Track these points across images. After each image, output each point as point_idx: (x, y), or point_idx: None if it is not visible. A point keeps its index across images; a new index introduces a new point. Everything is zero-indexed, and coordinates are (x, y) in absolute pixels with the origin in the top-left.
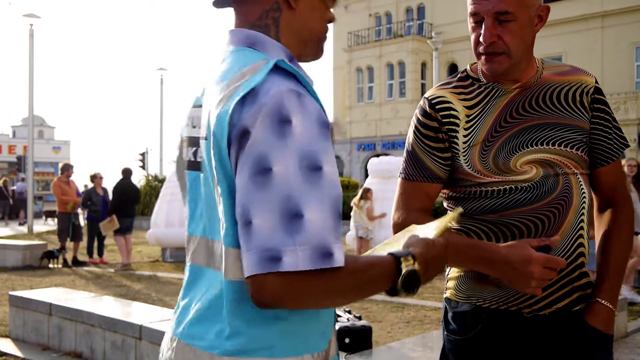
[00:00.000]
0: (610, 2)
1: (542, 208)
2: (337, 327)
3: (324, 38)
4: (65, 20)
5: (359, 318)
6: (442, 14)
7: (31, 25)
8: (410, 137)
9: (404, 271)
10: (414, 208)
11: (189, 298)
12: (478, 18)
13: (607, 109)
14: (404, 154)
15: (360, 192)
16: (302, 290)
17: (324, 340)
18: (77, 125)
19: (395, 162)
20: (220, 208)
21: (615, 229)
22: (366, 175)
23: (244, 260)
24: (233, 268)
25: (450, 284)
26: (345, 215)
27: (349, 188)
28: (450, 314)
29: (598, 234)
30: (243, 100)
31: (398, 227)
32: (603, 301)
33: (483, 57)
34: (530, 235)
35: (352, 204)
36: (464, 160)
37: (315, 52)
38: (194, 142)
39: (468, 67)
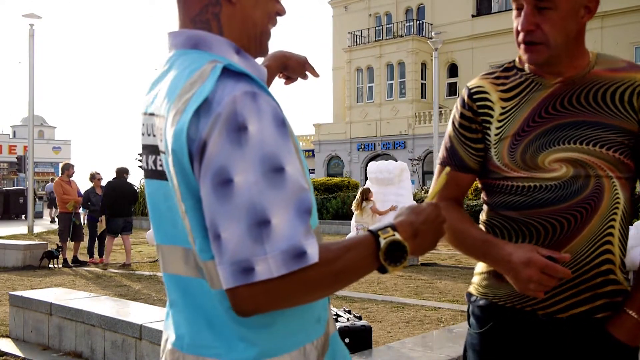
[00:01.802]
0: (610, 2)
1: (565, 210)
2: (337, 326)
3: (266, 32)
4: (65, 20)
5: (359, 318)
6: (442, 14)
7: (31, 25)
8: (449, 125)
9: (382, 244)
10: (444, 196)
11: (178, 307)
12: (519, 5)
13: None
14: (443, 141)
15: (359, 194)
16: (280, 294)
17: (321, 325)
18: (78, 125)
19: (394, 169)
20: (187, 223)
21: None
22: (366, 178)
23: (219, 274)
24: (218, 279)
25: (475, 279)
26: (346, 216)
27: (349, 188)
28: (470, 308)
29: None
30: (198, 113)
31: None
32: (630, 311)
33: (522, 47)
34: (547, 237)
35: (353, 207)
36: (494, 152)
37: (257, 48)
38: (152, 150)
39: (517, 58)
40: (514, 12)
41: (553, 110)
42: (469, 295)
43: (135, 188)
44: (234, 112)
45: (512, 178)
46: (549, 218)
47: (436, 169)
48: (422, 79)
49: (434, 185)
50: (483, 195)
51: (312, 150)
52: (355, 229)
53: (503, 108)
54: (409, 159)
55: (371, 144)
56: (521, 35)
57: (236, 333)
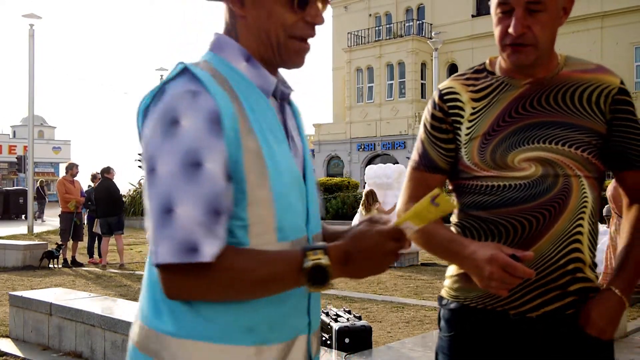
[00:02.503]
0: (610, 3)
1: (533, 209)
2: (337, 327)
3: (283, 44)
4: (65, 20)
5: (359, 318)
6: (442, 14)
7: (31, 25)
8: (420, 126)
9: (305, 265)
10: (414, 197)
11: None
12: (507, 8)
13: (632, 110)
14: (415, 143)
15: (364, 197)
16: (173, 283)
17: (252, 336)
18: (78, 125)
19: (392, 173)
20: None
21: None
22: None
23: None
24: None
25: (446, 282)
26: (346, 216)
27: (349, 188)
28: (441, 312)
29: (623, 230)
30: (148, 105)
31: (398, 214)
32: (614, 289)
33: (509, 49)
34: (517, 235)
35: (361, 209)
36: (465, 152)
37: (276, 58)
38: None
39: (487, 61)
40: (498, 16)
41: (523, 110)
42: (440, 298)
43: (116, 186)
44: (170, 107)
45: (481, 177)
46: (518, 217)
47: (407, 171)
48: (422, 79)
49: (408, 202)
50: (454, 197)
51: (312, 151)
52: None
53: (473, 108)
54: (407, 158)
55: (371, 144)
56: (510, 38)
57: (167, 305)
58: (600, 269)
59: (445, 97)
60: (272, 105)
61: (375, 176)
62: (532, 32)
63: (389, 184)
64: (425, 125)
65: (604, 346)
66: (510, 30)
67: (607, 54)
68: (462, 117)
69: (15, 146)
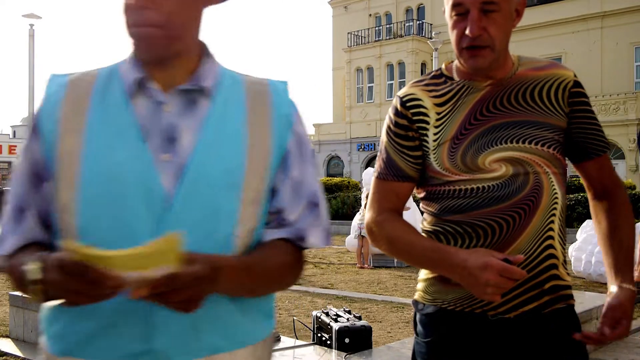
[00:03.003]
0: (610, 3)
1: (508, 208)
2: (337, 327)
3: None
4: (65, 20)
5: (359, 318)
6: (442, 14)
7: (31, 25)
8: (383, 135)
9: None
10: (385, 209)
11: None
12: (462, 10)
13: (587, 101)
14: (378, 153)
15: (365, 198)
16: None
17: (60, 345)
18: None
19: None
20: None
21: (617, 213)
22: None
23: None
24: None
25: (420, 285)
26: (346, 216)
27: (349, 188)
28: (417, 316)
29: (597, 223)
30: None
31: (368, 227)
32: (625, 285)
33: (466, 52)
34: (495, 236)
35: (363, 208)
36: (434, 158)
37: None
38: None
39: (443, 66)
40: (453, 19)
41: (487, 112)
42: (416, 303)
43: None
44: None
45: (454, 182)
46: (494, 217)
47: (373, 182)
48: None
49: (381, 214)
50: (424, 205)
51: (312, 151)
52: (360, 229)
53: (438, 114)
54: None
55: (371, 144)
56: (466, 41)
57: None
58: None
59: (408, 104)
60: (139, 103)
61: (367, 184)
62: (488, 33)
63: None
64: (389, 134)
65: (580, 346)
66: (467, 32)
67: (607, 54)
68: (427, 123)
69: (15, 146)
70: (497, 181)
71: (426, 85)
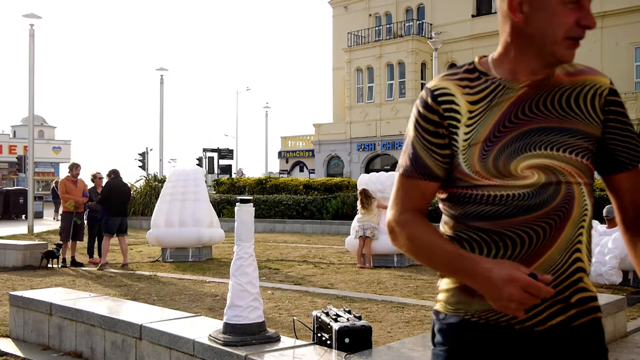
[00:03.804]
0: (610, 2)
1: (539, 219)
2: (337, 327)
3: None
4: (65, 20)
5: (359, 318)
6: (442, 14)
7: (31, 25)
8: (410, 130)
9: None
10: (408, 208)
11: None
12: None
13: (623, 111)
14: (404, 148)
15: (359, 196)
16: None
17: None
18: (78, 125)
19: (385, 180)
20: None
21: None
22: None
23: None
24: None
25: (441, 296)
26: (346, 216)
27: (349, 188)
28: (437, 326)
29: (632, 247)
30: None
31: (390, 226)
32: None
33: (568, 42)
34: (524, 247)
35: (359, 208)
36: (463, 159)
37: None
38: None
39: (476, 60)
40: (568, 6)
41: (522, 115)
42: (437, 312)
43: (129, 187)
44: None
45: (483, 186)
46: (524, 227)
47: (397, 179)
48: (422, 79)
49: (404, 213)
50: (445, 207)
51: (312, 150)
52: (361, 229)
53: (470, 112)
54: None
55: (371, 144)
56: (578, 31)
57: None
58: None
59: (440, 99)
60: None
61: (370, 182)
62: None
63: (382, 190)
64: (417, 129)
65: (604, 356)
66: (584, 22)
67: (607, 54)
68: (458, 121)
69: (16, 146)
70: (528, 189)
71: (460, 79)
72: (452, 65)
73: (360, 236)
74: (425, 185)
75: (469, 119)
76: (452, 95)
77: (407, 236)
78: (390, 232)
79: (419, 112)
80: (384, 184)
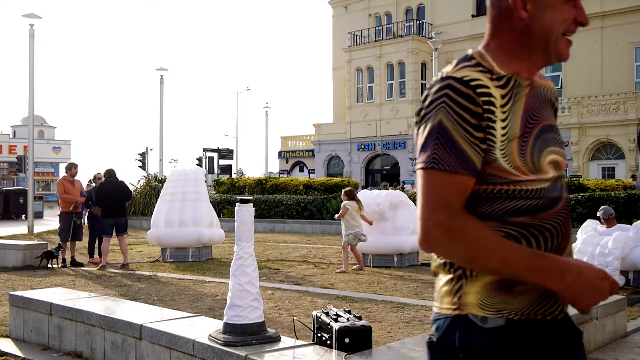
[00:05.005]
0: (610, 2)
1: (561, 210)
2: (337, 327)
3: None
4: (65, 20)
5: (359, 318)
6: (442, 14)
7: (31, 25)
8: (443, 121)
9: None
10: (456, 208)
11: None
12: None
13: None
14: (434, 141)
15: (345, 193)
16: None
17: None
18: (78, 125)
19: (383, 201)
20: None
21: None
22: (366, 178)
23: None
24: None
25: (471, 298)
26: None
27: None
28: (474, 333)
29: None
30: None
31: (439, 231)
32: None
33: (566, 40)
34: (557, 239)
35: (355, 210)
36: (502, 155)
37: None
38: None
39: (475, 55)
40: (567, 4)
41: (536, 112)
42: (474, 317)
43: (128, 186)
44: None
45: (522, 182)
46: (555, 219)
47: (430, 175)
48: (422, 79)
49: (456, 217)
50: (474, 206)
51: (312, 150)
52: (356, 239)
53: (502, 106)
54: (409, 159)
55: (371, 144)
56: (573, 29)
57: None
58: None
59: (479, 91)
60: None
61: (365, 205)
62: None
63: (379, 212)
64: (457, 122)
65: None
66: (581, 20)
67: (607, 54)
68: (495, 114)
69: (15, 146)
70: (550, 183)
71: (481, 72)
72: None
73: (354, 244)
74: (469, 181)
75: (503, 112)
76: (488, 87)
77: (470, 241)
78: (437, 237)
79: (456, 103)
80: (381, 206)
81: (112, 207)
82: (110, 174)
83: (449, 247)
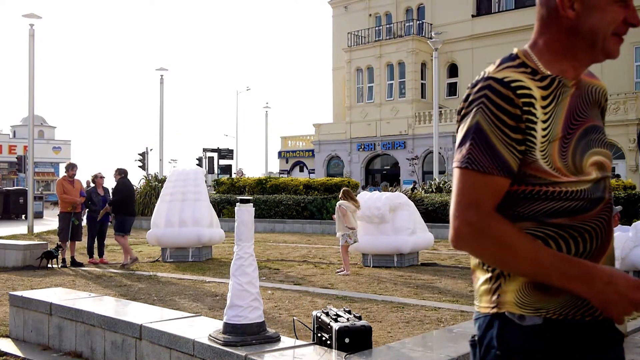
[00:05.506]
0: None
1: (601, 212)
2: (337, 327)
3: None
4: (65, 20)
5: (359, 318)
6: (442, 14)
7: (31, 25)
8: (480, 122)
9: None
10: (489, 208)
11: None
12: None
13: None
14: (470, 141)
15: (344, 194)
16: None
17: None
18: (78, 125)
19: (383, 205)
20: None
21: None
22: (366, 178)
23: None
24: None
25: (509, 297)
26: None
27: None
28: (512, 331)
29: None
30: None
31: (468, 230)
32: None
33: (616, 39)
34: (597, 241)
35: (351, 210)
36: (542, 156)
37: None
38: None
39: (520, 54)
40: (618, 4)
41: (580, 112)
42: (512, 315)
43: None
44: None
45: (562, 183)
46: (595, 221)
47: (466, 176)
48: (422, 79)
49: (488, 217)
50: (508, 205)
51: (312, 150)
52: (353, 237)
53: (544, 107)
54: (407, 159)
55: (371, 144)
56: (625, 29)
57: None
58: None
59: (519, 92)
60: None
61: (366, 208)
62: None
63: (379, 216)
64: (494, 123)
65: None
66: (634, 20)
67: None
68: (535, 116)
69: (15, 146)
70: (591, 184)
71: (522, 72)
72: (452, 65)
73: (349, 244)
74: (504, 183)
75: (544, 114)
76: (529, 88)
77: (499, 242)
78: (467, 236)
79: (495, 104)
80: (380, 211)
81: (132, 205)
82: (125, 173)
83: (478, 247)
